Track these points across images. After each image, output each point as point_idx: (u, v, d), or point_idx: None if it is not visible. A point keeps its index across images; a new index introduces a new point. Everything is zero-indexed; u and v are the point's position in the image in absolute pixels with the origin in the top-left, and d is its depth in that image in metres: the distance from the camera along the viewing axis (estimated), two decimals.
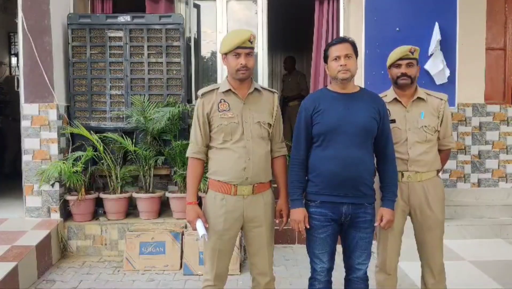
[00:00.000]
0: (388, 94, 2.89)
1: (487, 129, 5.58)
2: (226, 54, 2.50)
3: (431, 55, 4.80)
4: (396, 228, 2.80)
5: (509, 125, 5.61)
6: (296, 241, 4.73)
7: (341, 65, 2.46)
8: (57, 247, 4.48)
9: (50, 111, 4.62)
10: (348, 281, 2.67)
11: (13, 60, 10.30)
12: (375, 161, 2.63)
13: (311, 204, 2.56)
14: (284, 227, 2.74)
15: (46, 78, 4.57)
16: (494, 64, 5.57)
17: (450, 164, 5.55)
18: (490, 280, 3.89)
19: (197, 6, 5.64)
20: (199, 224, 2.52)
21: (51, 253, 4.35)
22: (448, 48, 4.82)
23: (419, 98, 2.83)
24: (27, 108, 4.63)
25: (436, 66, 4.79)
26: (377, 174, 2.68)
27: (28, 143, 4.65)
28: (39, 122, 4.62)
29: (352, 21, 5.20)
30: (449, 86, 4.85)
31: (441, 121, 2.84)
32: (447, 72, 4.79)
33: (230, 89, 2.54)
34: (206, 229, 2.54)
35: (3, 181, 6.26)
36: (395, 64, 2.81)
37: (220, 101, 2.53)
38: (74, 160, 4.54)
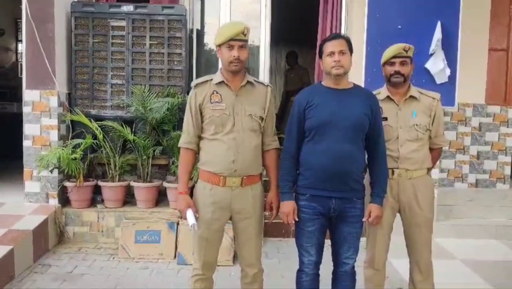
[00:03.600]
0: (381, 92, 2.90)
1: (486, 130, 5.58)
2: (220, 46, 2.52)
3: (432, 54, 4.81)
4: (385, 224, 2.84)
5: (509, 126, 5.61)
6: (290, 234, 4.77)
7: (334, 61, 2.49)
8: (54, 233, 4.54)
9: (51, 98, 4.66)
10: (335, 274, 2.71)
11: (20, 46, 10.39)
12: (366, 157, 2.66)
13: (300, 197, 2.60)
14: (273, 220, 2.78)
15: (48, 65, 4.60)
16: (496, 65, 5.56)
17: (448, 164, 5.56)
18: (481, 280, 3.91)
19: None
20: (189, 214, 2.55)
21: (48, 238, 4.41)
22: (449, 47, 4.81)
23: (411, 96, 2.85)
24: (29, 94, 4.68)
25: (436, 65, 4.79)
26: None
27: (28, 129, 4.70)
28: (40, 108, 4.66)
29: (354, 17, 5.19)
30: (449, 86, 4.85)
31: (433, 120, 2.87)
32: (448, 72, 4.79)
33: (223, 81, 2.57)
34: (197, 218, 2.57)
35: (4, 165, 6.32)
36: (389, 62, 2.82)
37: (213, 93, 2.55)
38: (73, 147, 4.59)
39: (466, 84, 5.16)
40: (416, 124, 2.82)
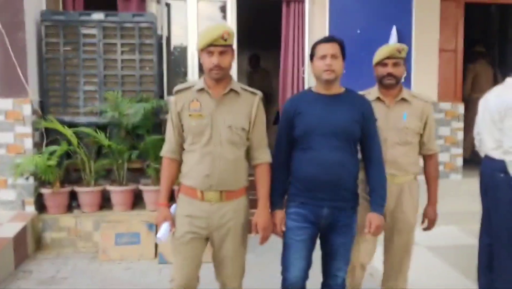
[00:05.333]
0: (372, 92, 2.82)
1: (439, 125, 6.02)
2: (201, 51, 2.37)
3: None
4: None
5: (460, 121, 6.08)
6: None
7: (326, 64, 2.38)
8: (32, 239, 4.58)
9: (24, 106, 4.70)
10: (325, 287, 2.61)
11: None
12: (360, 165, 2.57)
13: (290, 204, 2.51)
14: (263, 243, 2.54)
15: (20, 73, 4.64)
16: (446, 65, 6.00)
17: None
18: (446, 265, 4.23)
19: (168, 5, 5.80)
20: (164, 227, 2.43)
21: (27, 245, 4.45)
22: None
23: (403, 99, 2.77)
24: (1, 103, 4.69)
25: None
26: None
27: (1, 137, 4.71)
28: (13, 116, 4.69)
29: (317, 23, 5.50)
30: (405, 85, 5.13)
31: (425, 124, 2.78)
32: (404, 72, 5.17)
33: (203, 88, 2.41)
34: (173, 233, 2.46)
35: None
36: (381, 63, 2.72)
37: (192, 100, 2.41)
38: (49, 154, 4.64)
39: (420, 83, 5.59)
40: (406, 127, 2.73)
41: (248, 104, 2.45)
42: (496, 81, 6.51)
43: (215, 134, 2.37)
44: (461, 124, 6.07)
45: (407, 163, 2.75)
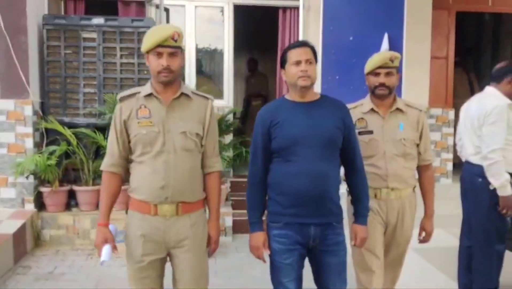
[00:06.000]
0: (365, 103, 2.69)
1: (430, 130, 6.07)
2: (147, 53, 2.18)
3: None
4: (376, 246, 2.63)
5: (450, 127, 6.21)
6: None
7: (301, 70, 2.22)
8: (32, 236, 4.72)
9: (26, 107, 4.85)
10: None
11: None
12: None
13: (273, 226, 2.31)
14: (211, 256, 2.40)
15: (22, 75, 4.79)
16: (437, 72, 6.15)
17: None
18: (432, 267, 4.33)
19: (166, 10, 5.94)
20: (105, 250, 2.18)
21: (26, 241, 4.59)
22: None
23: (398, 109, 2.64)
24: (3, 104, 4.85)
25: None
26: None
27: (3, 137, 4.86)
28: (14, 117, 4.84)
29: (311, 30, 5.65)
30: (396, 91, 5.35)
31: (421, 133, 2.67)
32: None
33: (152, 94, 2.22)
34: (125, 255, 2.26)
35: None
36: (373, 72, 2.58)
37: (140, 107, 2.21)
38: (49, 154, 4.79)
39: (412, 89, 5.71)
40: (404, 138, 2.60)
41: (201, 109, 2.30)
42: (472, 87, 6.74)
43: (168, 142, 2.18)
44: (451, 130, 6.20)
45: (408, 175, 2.64)
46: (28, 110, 4.86)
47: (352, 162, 2.38)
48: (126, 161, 2.27)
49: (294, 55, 2.27)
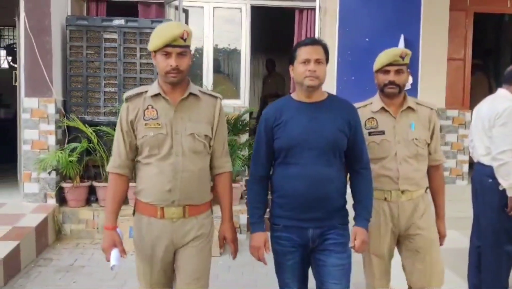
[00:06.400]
0: (374, 102, 2.57)
1: (446, 132, 6.15)
2: (155, 52, 2.10)
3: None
4: (386, 251, 2.55)
5: (467, 128, 6.19)
6: None
7: (309, 70, 2.14)
8: (53, 230, 4.90)
9: (49, 105, 5.03)
10: None
11: (2, 53, 10.61)
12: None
13: (275, 228, 2.28)
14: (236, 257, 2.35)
15: (46, 74, 4.97)
16: (454, 73, 6.13)
17: None
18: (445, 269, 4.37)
19: (185, 11, 6.07)
20: (113, 254, 2.15)
21: (48, 234, 4.77)
22: (412, 57, 5.32)
23: (408, 108, 2.54)
24: (27, 102, 5.03)
25: None
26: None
27: (27, 134, 5.05)
28: (38, 115, 5.02)
29: (327, 31, 5.70)
30: (412, 93, 5.34)
31: (432, 133, 2.57)
32: (410, 80, 5.33)
33: (159, 94, 2.14)
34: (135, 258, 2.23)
35: None
36: (382, 70, 2.48)
37: (147, 108, 2.14)
38: (70, 151, 4.96)
39: (428, 90, 5.72)
40: (416, 138, 2.50)
41: (210, 109, 2.23)
42: (491, 91, 6.61)
43: (176, 145, 2.12)
44: (467, 131, 6.15)
45: (420, 176, 2.53)
46: (51, 109, 5.04)
47: (357, 164, 2.29)
48: (133, 162, 2.22)
49: (303, 53, 2.18)
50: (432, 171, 2.64)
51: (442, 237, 2.68)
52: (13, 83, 5.79)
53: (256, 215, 2.29)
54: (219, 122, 2.24)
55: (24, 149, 5.08)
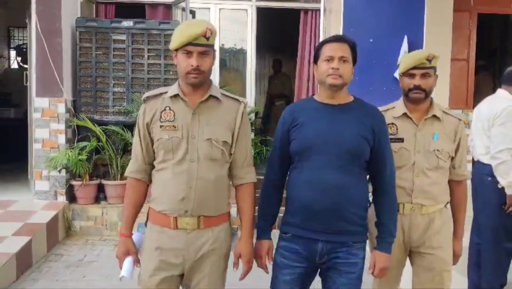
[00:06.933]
0: (397, 107, 2.41)
1: None
2: (176, 51, 1.98)
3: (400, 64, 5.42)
4: (395, 263, 2.33)
5: (470, 128, 6.24)
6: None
7: (332, 68, 1.97)
8: (63, 226, 5.02)
9: (59, 105, 5.16)
10: None
11: (12, 53, 10.77)
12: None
13: (282, 236, 2.12)
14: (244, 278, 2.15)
15: (56, 75, 5.10)
16: (458, 74, 6.19)
17: None
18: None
19: (192, 12, 6.18)
20: (127, 263, 2.05)
21: (58, 231, 4.89)
22: None
23: (434, 116, 2.35)
24: (38, 102, 5.17)
25: None
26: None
27: (38, 133, 5.18)
28: (49, 114, 5.16)
29: (332, 31, 5.77)
30: None
31: (458, 146, 2.38)
32: None
33: (178, 95, 2.02)
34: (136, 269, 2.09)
35: (6, 166, 6.82)
36: (407, 73, 2.32)
37: (164, 109, 2.01)
38: (80, 149, 5.08)
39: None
40: (438, 150, 2.31)
41: (231, 114, 2.07)
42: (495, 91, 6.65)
43: (192, 150, 1.97)
44: (471, 131, 6.24)
45: (437, 191, 2.34)
46: (61, 108, 5.17)
47: (380, 178, 2.09)
48: (151, 166, 2.09)
49: (327, 50, 2.01)
50: (455, 186, 2.45)
51: (456, 256, 2.51)
52: (24, 84, 5.92)
53: (264, 221, 2.15)
54: (240, 128, 2.07)
55: (35, 147, 5.21)
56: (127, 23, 5.42)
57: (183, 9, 5.98)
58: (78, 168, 5.01)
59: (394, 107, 2.43)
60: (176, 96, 2.02)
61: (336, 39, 2.06)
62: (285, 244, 2.08)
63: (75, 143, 5.25)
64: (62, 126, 5.18)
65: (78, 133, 5.38)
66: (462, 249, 2.53)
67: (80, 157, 5.00)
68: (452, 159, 2.38)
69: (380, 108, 2.33)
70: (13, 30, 10.66)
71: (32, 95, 5.27)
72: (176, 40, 1.95)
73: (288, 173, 2.16)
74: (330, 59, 1.99)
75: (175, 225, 1.98)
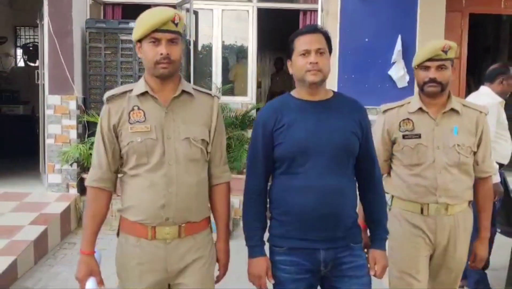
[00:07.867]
0: (412, 102, 2.28)
1: None
2: (140, 41, 1.79)
3: (394, 62, 5.70)
4: (420, 269, 2.27)
5: None
6: None
7: (310, 62, 1.81)
8: (75, 217, 5.30)
9: (71, 102, 5.45)
10: None
11: (19, 52, 11.05)
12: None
13: (276, 251, 1.91)
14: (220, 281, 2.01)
15: (68, 74, 5.38)
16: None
17: None
18: None
19: (195, 13, 6.45)
20: (90, 284, 1.84)
21: (70, 221, 5.17)
22: (409, 56, 5.69)
23: (452, 109, 2.22)
24: (51, 99, 5.46)
25: (398, 72, 5.70)
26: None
27: (51, 128, 5.47)
28: (61, 111, 5.45)
29: (329, 31, 6.02)
30: (409, 89, 5.74)
31: (480, 140, 2.24)
32: (407, 78, 5.70)
33: (147, 92, 1.82)
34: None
35: (18, 161, 7.11)
36: (422, 66, 2.19)
37: (133, 109, 1.80)
38: (90, 144, 5.36)
39: None
40: (458, 145, 2.18)
41: (206, 110, 1.91)
42: (469, 87, 6.98)
43: (169, 152, 1.80)
44: None
45: (462, 188, 2.22)
46: (72, 105, 5.46)
47: (369, 174, 1.97)
48: (116, 174, 1.90)
49: (302, 43, 1.85)
50: (479, 184, 2.32)
51: (480, 259, 2.38)
52: (36, 82, 6.21)
53: (255, 237, 1.92)
54: (217, 125, 1.92)
55: (48, 142, 5.50)
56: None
57: (187, 10, 6.25)
58: (89, 162, 5.28)
59: (409, 102, 2.31)
60: (144, 94, 1.82)
61: (309, 30, 1.89)
62: (283, 258, 1.89)
63: (86, 138, 5.53)
64: (73, 122, 5.46)
65: (88, 129, 5.64)
66: (486, 252, 2.40)
67: (91, 151, 5.26)
68: (475, 154, 2.25)
69: (395, 104, 2.33)
70: (19, 30, 10.93)
71: (45, 93, 5.55)
72: (140, 28, 1.75)
73: (272, 179, 1.96)
74: (306, 53, 1.83)
75: (153, 235, 1.80)
